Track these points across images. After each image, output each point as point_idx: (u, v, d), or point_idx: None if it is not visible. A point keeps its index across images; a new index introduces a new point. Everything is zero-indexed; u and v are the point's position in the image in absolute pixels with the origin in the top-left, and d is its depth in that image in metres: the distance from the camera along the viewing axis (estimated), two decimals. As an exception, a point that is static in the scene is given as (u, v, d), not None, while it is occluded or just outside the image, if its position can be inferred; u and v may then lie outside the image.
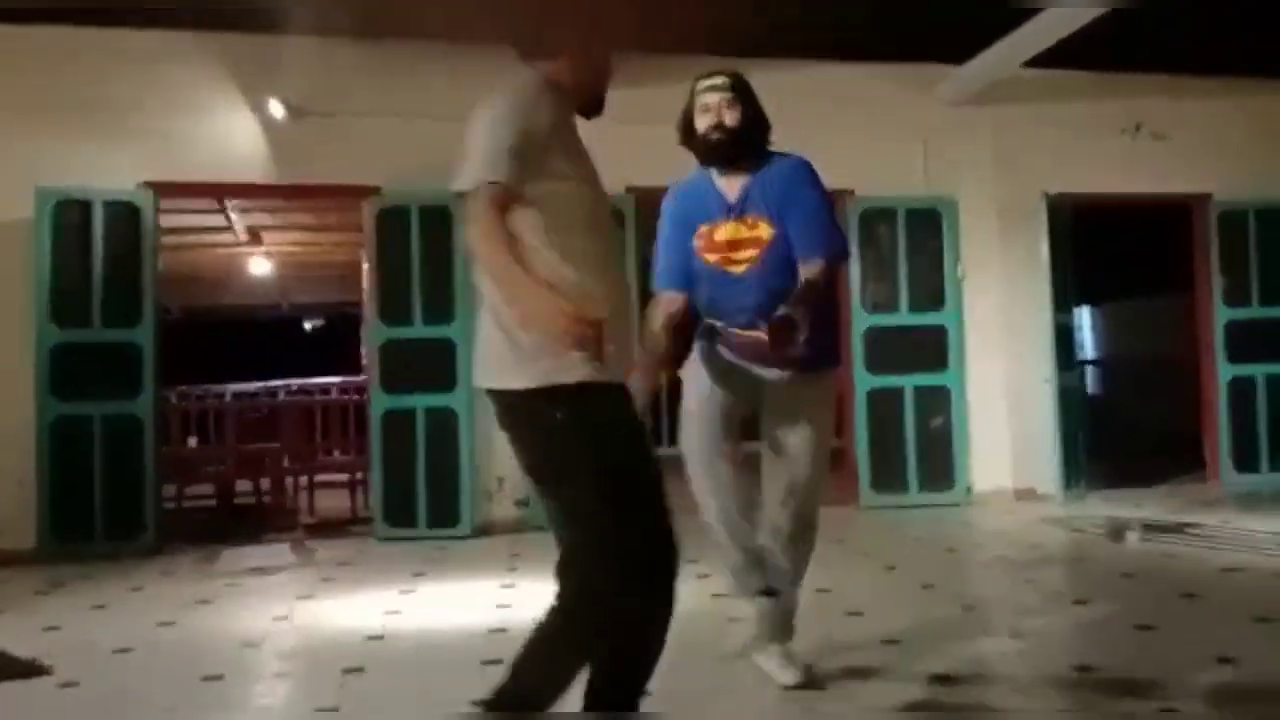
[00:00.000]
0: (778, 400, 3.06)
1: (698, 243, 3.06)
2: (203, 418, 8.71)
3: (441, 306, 6.30)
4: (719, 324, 3.08)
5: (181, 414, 8.37)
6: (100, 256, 6.04)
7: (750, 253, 3.00)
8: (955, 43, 6.79)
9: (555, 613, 2.12)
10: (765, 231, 2.99)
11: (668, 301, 3.10)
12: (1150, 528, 5.69)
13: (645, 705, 2.35)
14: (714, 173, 3.11)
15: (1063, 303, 7.17)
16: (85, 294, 6.01)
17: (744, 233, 3.01)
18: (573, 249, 2.12)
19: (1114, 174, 7.59)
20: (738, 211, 3.04)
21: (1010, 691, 3.08)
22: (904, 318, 7.12)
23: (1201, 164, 7.71)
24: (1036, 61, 6.71)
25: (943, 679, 3.12)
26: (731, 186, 3.07)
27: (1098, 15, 5.86)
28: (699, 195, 3.12)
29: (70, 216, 6.02)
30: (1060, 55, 6.59)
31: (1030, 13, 6.10)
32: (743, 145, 3.04)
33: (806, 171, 3.08)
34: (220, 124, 6.39)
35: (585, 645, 2.13)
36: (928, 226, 7.18)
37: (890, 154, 7.24)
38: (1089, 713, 2.87)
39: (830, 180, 7.63)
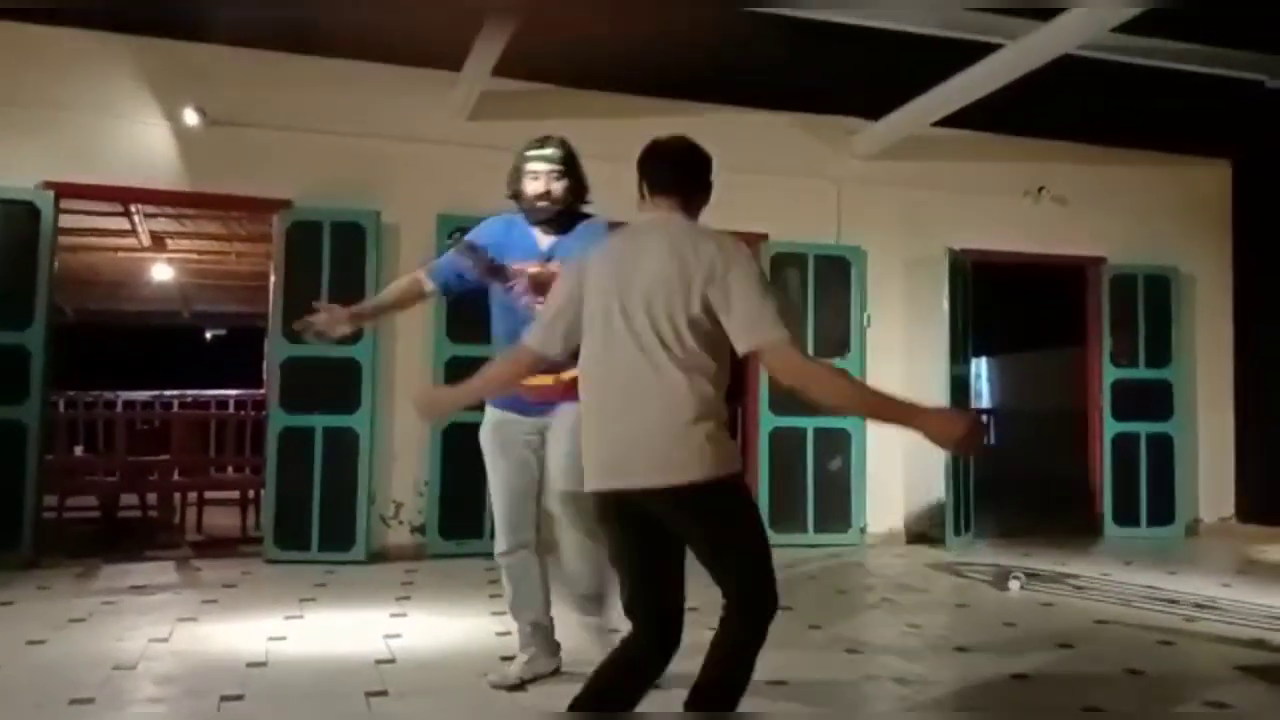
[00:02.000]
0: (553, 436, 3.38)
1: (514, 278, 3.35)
2: (91, 426, 8.42)
3: (348, 326, 6.21)
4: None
5: (69, 421, 8.08)
6: (-10, 256, 5.82)
7: None
8: (871, 98, 7.01)
9: (749, 628, 2.57)
10: None
11: (418, 282, 3.58)
12: (1033, 577, 5.87)
13: None
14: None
15: (961, 354, 7.40)
16: (-29, 294, 5.78)
17: (549, 277, 3.20)
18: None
19: (1015, 233, 7.90)
20: (546, 257, 3.36)
21: (889, 737, 3.15)
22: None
23: (1097, 228, 8.07)
24: (948, 121, 6.96)
25: (825, 723, 3.18)
26: (544, 237, 3.45)
27: (1008, 82, 6.10)
28: (515, 234, 3.46)
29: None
30: (971, 117, 6.86)
31: (944, 75, 6.33)
32: (565, 214, 3.43)
33: (606, 226, 3.38)
34: (130, 128, 6.23)
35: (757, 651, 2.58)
36: (837, 274, 7.36)
37: (804, 202, 7.42)
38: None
39: (744, 224, 7.84)
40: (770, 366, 2.35)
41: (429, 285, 3.55)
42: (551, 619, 3.59)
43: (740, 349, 2.36)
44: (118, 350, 14.20)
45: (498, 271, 3.33)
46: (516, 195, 3.45)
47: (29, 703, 3.27)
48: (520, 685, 3.46)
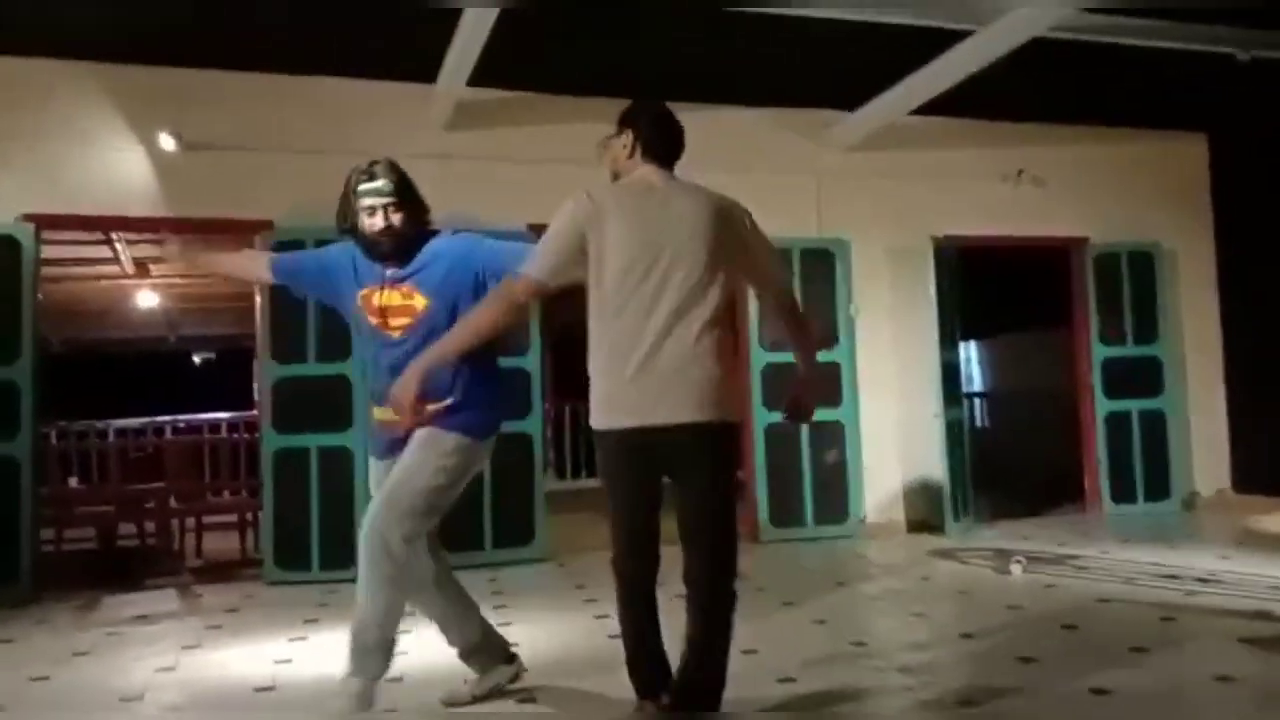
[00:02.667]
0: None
1: (358, 302, 3.26)
2: (84, 456, 8.38)
3: (337, 343, 6.17)
4: (370, 402, 3.40)
5: (61, 452, 8.04)
6: (-26, 290, 5.80)
7: (404, 320, 3.20)
8: (846, 90, 7.03)
9: (720, 607, 2.85)
10: (420, 302, 3.19)
11: (261, 269, 3.55)
12: (1034, 559, 5.89)
13: None
14: None
15: (950, 340, 7.42)
16: (-43, 331, 5.75)
17: (398, 300, 3.20)
18: None
19: (997, 218, 7.92)
20: (394, 281, 3.21)
21: (899, 728, 3.16)
22: (799, 355, 7.26)
23: (1078, 209, 8.11)
24: (924, 109, 6.99)
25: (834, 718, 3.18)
26: (371, 262, 3.30)
27: (982, 67, 6.13)
28: (358, 262, 3.29)
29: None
30: (947, 104, 6.89)
31: (918, 63, 6.35)
32: (408, 241, 3.22)
33: (465, 237, 3.29)
34: (107, 156, 6.21)
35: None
36: (821, 266, 7.37)
37: (785, 196, 7.42)
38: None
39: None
40: (781, 303, 3.08)
41: (267, 276, 3.52)
42: (482, 631, 3.49)
43: (771, 289, 3.06)
44: (107, 378, 14.15)
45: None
46: (352, 229, 3.24)
47: (36, 740, 3.26)
48: (473, 700, 3.44)
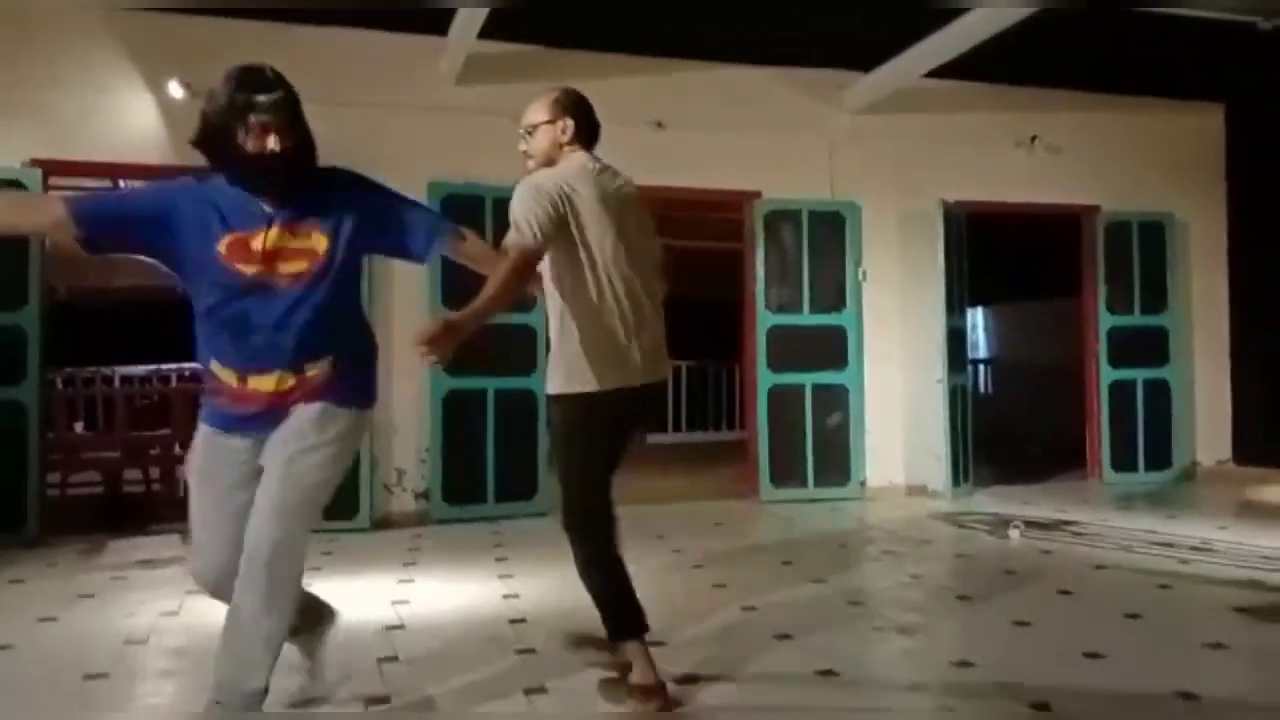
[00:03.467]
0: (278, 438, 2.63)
1: (222, 250, 2.55)
2: (90, 402, 8.41)
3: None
4: (221, 369, 2.63)
5: (68, 399, 8.08)
6: (-18, 236, 5.80)
7: (300, 265, 2.59)
8: (861, 51, 6.96)
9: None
10: (320, 243, 2.61)
11: (57, 217, 2.51)
12: (1032, 525, 5.92)
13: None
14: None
15: (956, 306, 7.40)
16: (-35, 275, 5.77)
17: (290, 242, 2.59)
18: None
19: (1009, 184, 7.88)
20: (281, 219, 2.58)
21: (892, 688, 3.21)
22: (805, 318, 7.27)
23: (1091, 177, 8.05)
24: (939, 73, 6.92)
25: (828, 674, 3.23)
26: (267, 201, 2.61)
27: (999, 31, 6.06)
28: (230, 198, 2.59)
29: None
30: (961, 67, 6.81)
31: (934, 25, 6.28)
32: (302, 171, 2.60)
33: (355, 174, 2.75)
34: (116, 103, 6.18)
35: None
36: (831, 229, 7.34)
37: (796, 158, 7.39)
38: (965, 709, 3.00)
39: (736, 181, 7.79)
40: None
41: (66, 230, 2.50)
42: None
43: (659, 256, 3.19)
44: (113, 326, 14.17)
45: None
46: (226, 149, 2.53)
47: (43, 679, 3.32)
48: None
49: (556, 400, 3.03)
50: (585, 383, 2.94)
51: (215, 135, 2.52)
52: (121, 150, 6.22)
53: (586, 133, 3.09)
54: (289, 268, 2.58)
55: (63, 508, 6.64)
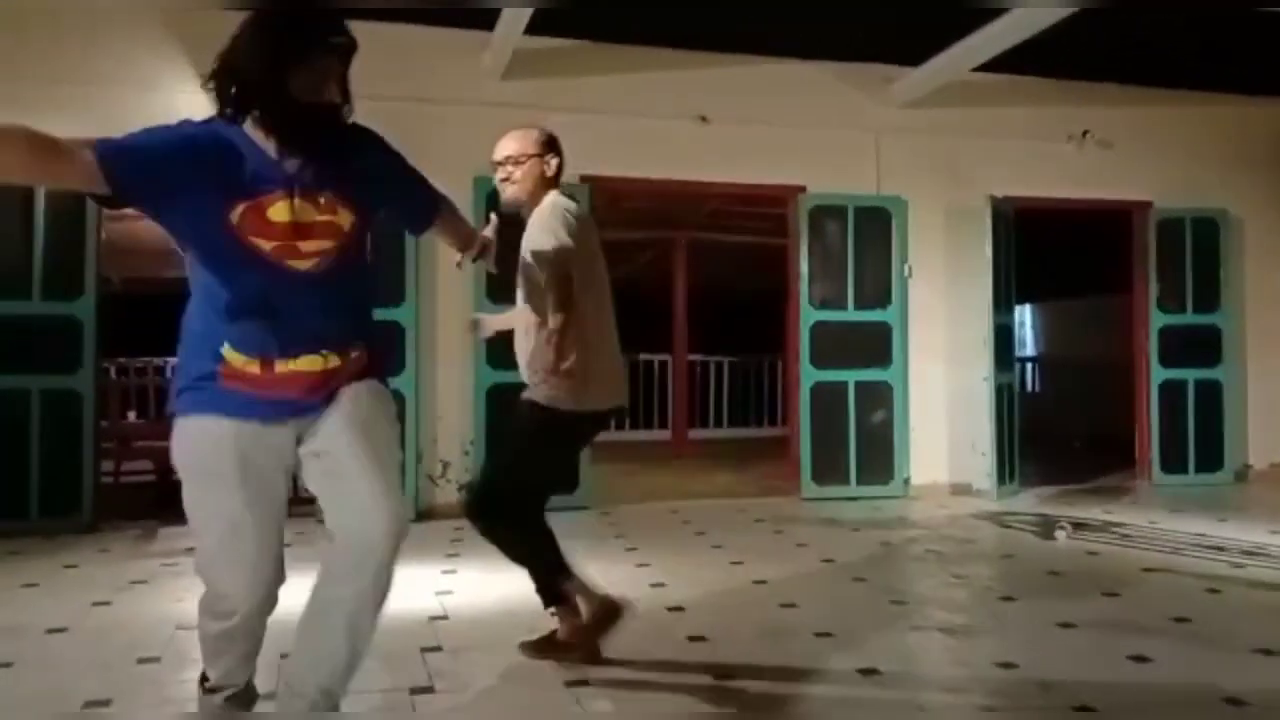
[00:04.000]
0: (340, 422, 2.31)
1: (234, 219, 2.12)
2: (142, 391, 8.59)
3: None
4: (235, 354, 2.21)
5: (121, 387, 8.25)
6: (42, 229, 5.95)
7: (324, 244, 2.21)
8: (910, 44, 6.90)
9: None
10: (345, 219, 2.24)
11: (82, 163, 1.98)
12: (1079, 526, 5.85)
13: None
14: (249, 125, 2.18)
15: (1004, 304, 7.32)
16: (25, 267, 5.91)
17: (313, 215, 2.19)
18: None
19: (1059, 179, 7.77)
20: (302, 184, 2.17)
21: (933, 687, 3.19)
22: (850, 314, 7.23)
23: (1142, 172, 7.92)
24: (988, 66, 6.84)
25: (869, 672, 3.22)
26: (284, 154, 2.18)
27: (1050, 24, 5.97)
28: (236, 150, 2.15)
29: (11, 187, 5.90)
30: (1011, 61, 6.73)
31: (985, 18, 6.21)
32: (341, 130, 2.26)
33: (385, 142, 2.42)
34: (166, 99, 6.25)
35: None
36: (877, 225, 7.30)
37: (841, 152, 7.35)
38: (1007, 710, 2.98)
39: (782, 176, 7.77)
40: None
41: (100, 183, 2.00)
42: None
43: None
44: (165, 316, 14.42)
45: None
46: (268, 93, 2.12)
47: (98, 661, 3.39)
48: None
49: (538, 407, 3.14)
50: (577, 401, 3.10)
51: (258, 74, 2.12)
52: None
53: (559, 175, 3.28)
54: (312, 245, 2.20)
55: (116, 495, 6.79)
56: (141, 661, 3.37)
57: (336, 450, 2.28)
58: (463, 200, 6.29)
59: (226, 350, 2.21)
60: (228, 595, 2.34)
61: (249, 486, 2.26)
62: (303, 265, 2.20)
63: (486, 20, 6.11)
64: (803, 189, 7.23)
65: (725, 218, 10.28)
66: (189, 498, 2.29)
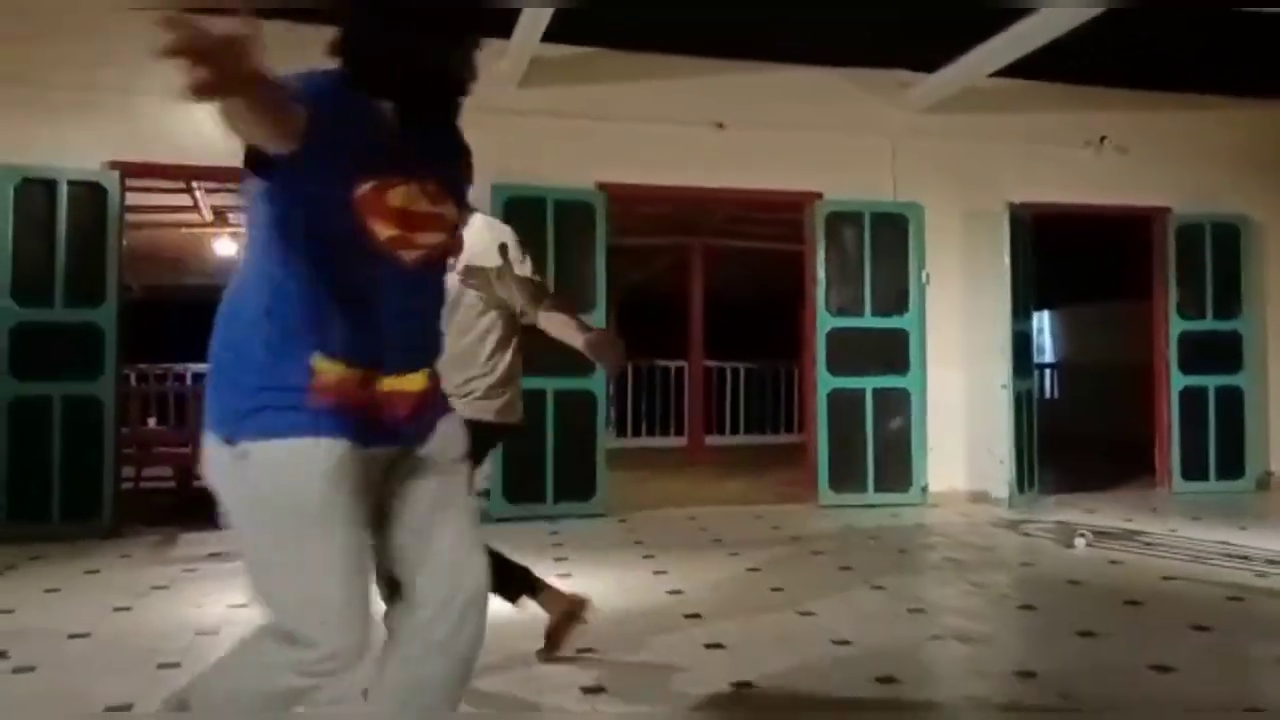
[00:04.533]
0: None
1: (360, 195, 1.82)
2: (162, 398, 8.65)
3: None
4: (327, 361, 1.83)
5: (141, 394, 8.31)
6: (64, 236, 6.00)
7: (435, 237, 1.95)
8: (926, 50, 6.89)
9: None
10: (451, 212, 2.02)
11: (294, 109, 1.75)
12: (1099, 534, 5.81)
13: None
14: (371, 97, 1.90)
15: (1022, 310, 7.29)
16: (48, 273, 5.96)
17: (425, 205, 1.91)
18: None
19: (1077, 185, 7.73)
20: (419, 172, 1.90)
21: (952, 696, 3.17)
22: (867, 320, 7.22)
23: (1161, 178, 7.87)
24: (1004, 72, 6.83)
25: (888, 680, 3.20)
26: (395, 129, 1.90)
27: (1067, 30, 5.95)
28: (362, 119, 1.85)
29: (34, 195, 5.97)
30: (1028, 67, 6.71)
31: (1002, 24, 6.20)
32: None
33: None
34: (190, 106, 6.29)
35: None
36: (894, 231, 7.28)
37: (858, 158, 7.34)
38: (1026, 718, 2.96)
39: (798, 182, 7.76)
40: None
41: (293, 141, 1.77)
42: None
43: None
44: (185, 323, 14.52)
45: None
46: (391, 60, 1.86)
47: (119, 666, 3.42)
48: None
49: (483, 426, 3.02)
50: (509, 414, 3.25)
51: (388, 39, 1.87)
52: (199, 154, 6.34)
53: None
54: (425, 238, 1.92)
55: (136, 500, 6.83)
56: (161, 666, 3.39)
57: (427, 495, 2.00)
58: (480, 207, 6.33)
59: (319, 360, 1.82)
60: (336, 654, 1.87)
61: (361, 522, 1.88)
62: (412, 257, 1.90)
63: (503, 27, 6.14)
64: (819, 195, 7.23)
65: (741, 224, 10.29)
66: (272, 539, 1.87)
